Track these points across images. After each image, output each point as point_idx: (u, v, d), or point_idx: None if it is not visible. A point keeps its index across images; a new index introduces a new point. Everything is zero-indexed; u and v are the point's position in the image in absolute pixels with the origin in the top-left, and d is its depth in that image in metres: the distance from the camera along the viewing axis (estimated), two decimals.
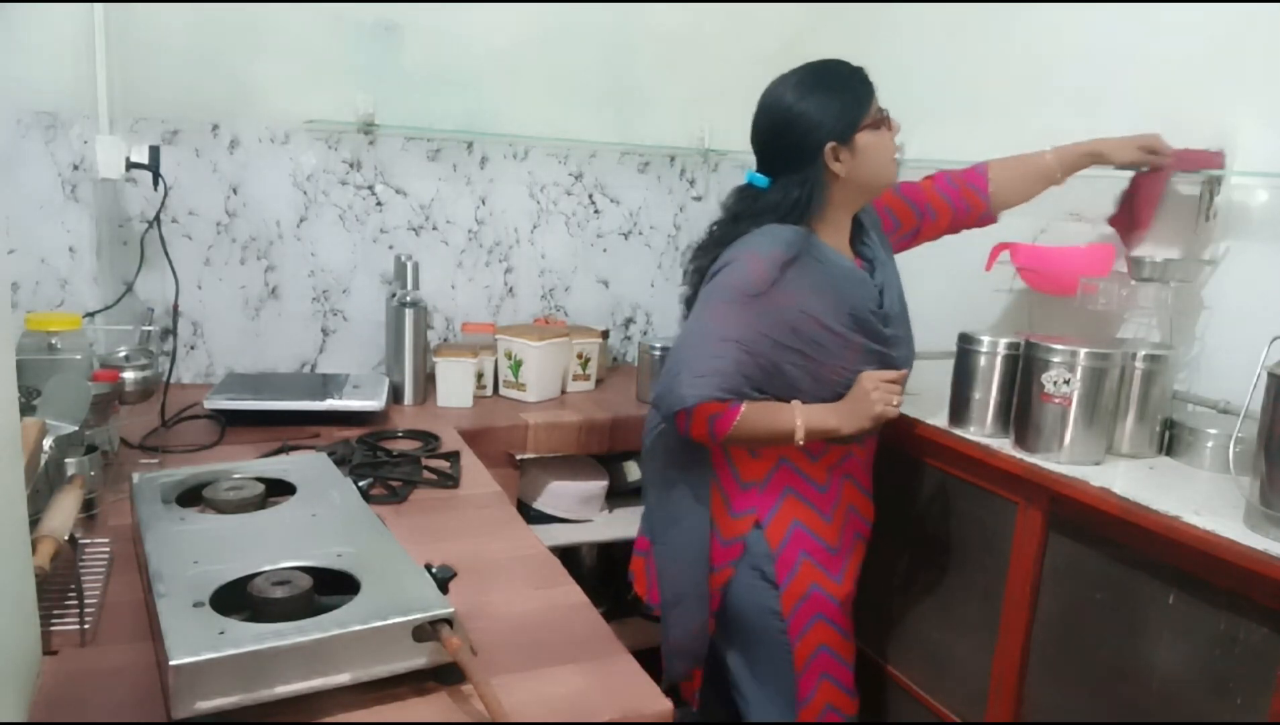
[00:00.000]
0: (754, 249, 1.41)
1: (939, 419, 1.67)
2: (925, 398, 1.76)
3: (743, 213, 1.47)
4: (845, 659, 1.56)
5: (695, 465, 1.52)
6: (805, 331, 1.42)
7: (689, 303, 1.52)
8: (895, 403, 1.44)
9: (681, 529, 1.53)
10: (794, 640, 1.51)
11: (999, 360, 1.62)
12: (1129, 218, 1.67)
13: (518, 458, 2.04)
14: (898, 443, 1.72)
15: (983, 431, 1.61)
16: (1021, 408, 1.53)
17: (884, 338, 1.49)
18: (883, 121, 1.45)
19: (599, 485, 2.23)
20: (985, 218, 1.72)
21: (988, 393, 1.62)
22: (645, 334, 2.64)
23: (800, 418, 1.42)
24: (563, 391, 2.29)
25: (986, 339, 1.63)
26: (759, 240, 1.42)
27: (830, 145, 1.41)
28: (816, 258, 1.43)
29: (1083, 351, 1.47)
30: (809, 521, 1.51)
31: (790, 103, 1.43)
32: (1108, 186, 1.76)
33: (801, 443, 1.43)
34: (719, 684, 1.63)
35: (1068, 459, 1.47)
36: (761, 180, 1.47)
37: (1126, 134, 1.62)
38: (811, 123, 1.41)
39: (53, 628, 1.00)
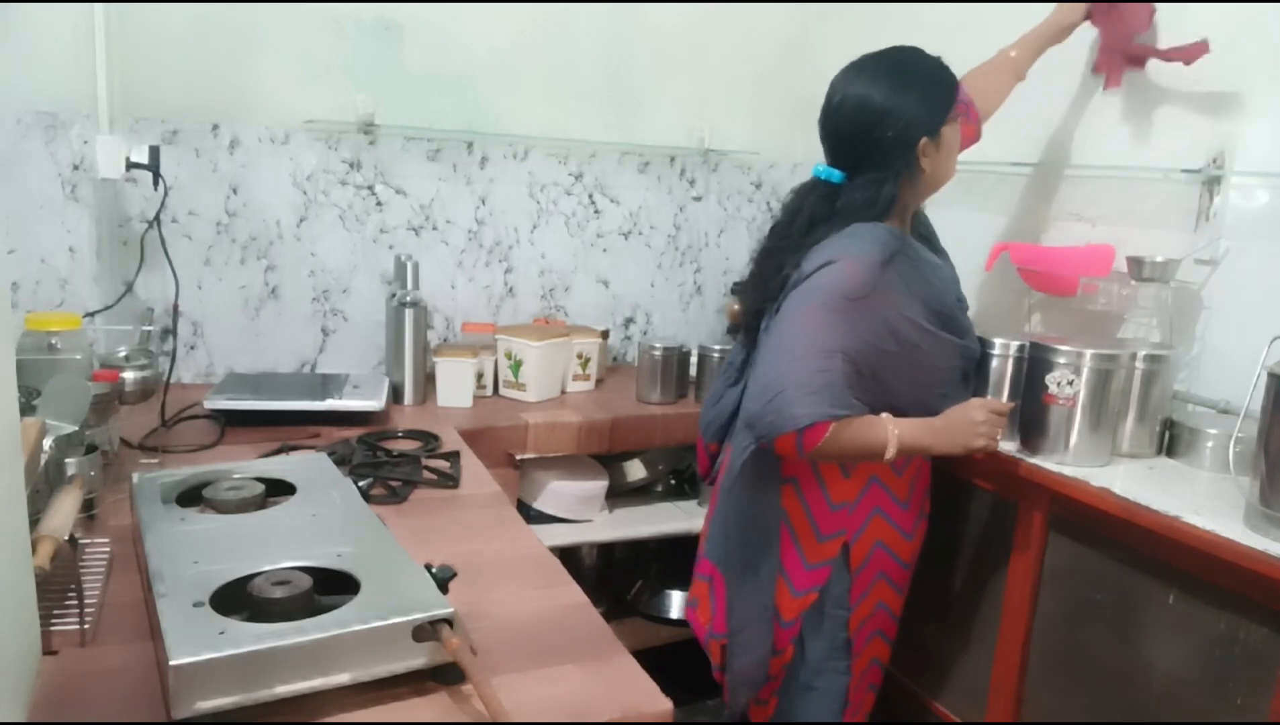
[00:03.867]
0: (849, 252, 1.33)
1: None
2: None
3: (822, 214, 1.39)
4: (885, 665, 1.56)
5: (777, 491, 1.45)
6: (904, 334, 1.35)
7: (758, 312, 1.45)
8: (998, 438, 1.39)
9: (757, 555, 1.46)
10: (855, 655, 1.49)
11: (1010, 363, 1.60)
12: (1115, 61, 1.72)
13: (518, 458, 2.04)
14: None
15: None
16: (1026, 410, 1.53)
17: (964, 330, 1.45)
18: (961, 114, 1.42)
19: (599, 485, 2.23)
20: (975, 138, 1.68)
21: (999, 395, 1.61)
22: (645, 334, 2.64)
23: (895, 435, 1.34)
24: (563, 391, 2.29)
25: (998, 341, 1.61)
26: (853, 242, 1.34)
27: (923, 140, 1.37)
28: (910, 256, 1.38)
29: (1088, 353, 1.46)
30: (891, 542, 1.47)
31: (883, 97, 1.35)
32: (1109, 186, 1.76)
33: (891, 459, 1.36)
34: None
35: (1073, 462, 1.47)
36: (836, 175, 1.40)
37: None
38: (907, 118, 1.35)
39: (53, 628, 1.00)
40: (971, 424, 1.37)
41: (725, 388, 1.59)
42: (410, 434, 1.85)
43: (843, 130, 1.39)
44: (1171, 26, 1.69)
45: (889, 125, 1.35)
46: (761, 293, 1.43)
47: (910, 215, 1.47)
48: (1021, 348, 1.60)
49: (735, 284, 2.61)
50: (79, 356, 1.51)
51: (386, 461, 1.66)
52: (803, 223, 1.40)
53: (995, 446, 1.39)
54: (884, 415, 1.35)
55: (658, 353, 2.21)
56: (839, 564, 1.45)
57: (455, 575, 1.02)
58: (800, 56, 2.61)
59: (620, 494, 2.32)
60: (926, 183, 1.42)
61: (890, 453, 1.34)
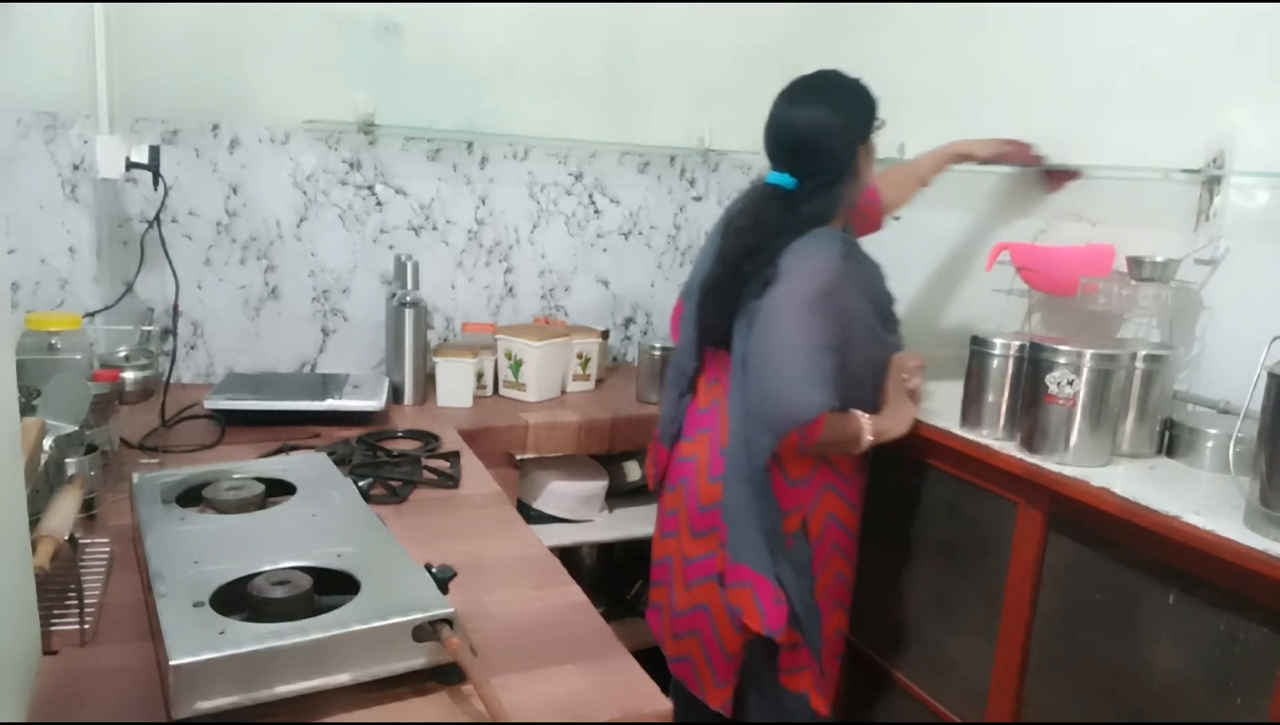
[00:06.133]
0: (815, 254, 1.48)
1: (944, 419, 1.67)
2: (928, 398, 1.76)
3: (783, 218, 1.52)
4: (845, 634, 1.67)
5: (767, 479, 1.51)
6: (857, 330, 1.50)
7: (730, 312, 1.53)
8: (919, 380, 1.59)
9: (782, 544, 1.52)
10: (824, 623, 1.57)
11: (1010, 362, 1.60)
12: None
13: (518, 458, 2.04)
14: (898, 442, 1.72)
15: (995, 434, 1.60)
16: (1026, 410, 1.53)
17: (896, 325, 1.61)
18: (880, 126, 1.59)
19: (599, 485, 2.23)
20: (876, 226, 1.85)
21: (999, 395, 1.60)
22: (645, 334, 2.64)
23: (867, 425, 1.51)
24: (563, 391, 2.29)
25: (999, 341, 1.61)
26: (816, 244, 1.50)
27: (861, 146, 1.55)
28: (856, 258, 1.54)
29: (1088, 353, 1.46)
30: (840, 514, 1.58)
31: (825, 112, 1.53)
32: (1109, 186, 1.76)
33: (865, 448, 1.52)
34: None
35: (1073, 461, 1.46)
36: (790, 182, 1.54)
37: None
38: (849, 128, 1.54)
39: (53, 628, 1.00)
40: (899, 385, 1.57)
41: (678, 398, 1.69)
42: (410, 434, 1.85)
43: (797, 144, 1.54)
44: (1171, 27, 1.69)
45: (835, 135, 1.52)
46: (738, 291, 1.52)
47: (845, 219, 1.62)
48: (1021, 348, 1.59)
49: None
50: (79, 356, 1.51)
51: (386, 461, 1.66)
52: (768, 228, 1.52)
53: (920, 384, 1.60)
54: (852, 410, 1.52)
55: (658, 353, 2.21)
56: (800, 537, 1.54)
57: (455, 575, 1.02)
58: (800, 56, 2.60)
59: (620, 494, 2.32)
60: (859, 186, 1.59)
61: (866, 441, 1.51)
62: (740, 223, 1.56)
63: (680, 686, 1.68)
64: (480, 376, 2.18)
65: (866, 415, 1.53)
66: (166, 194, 1.97)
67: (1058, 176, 1.88)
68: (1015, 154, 1.88)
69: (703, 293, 1.61)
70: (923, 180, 1.89)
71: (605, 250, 2.55)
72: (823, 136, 1.52)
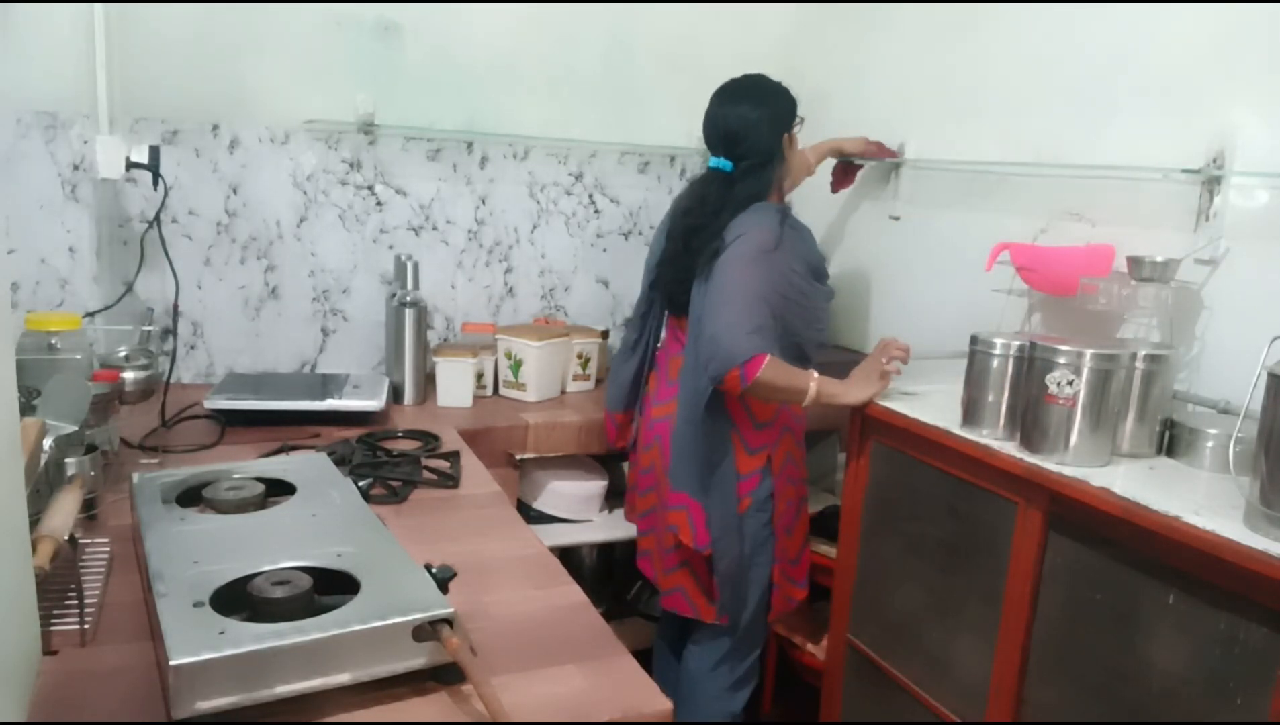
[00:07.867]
0: (756, 223, 1.71)
1: (944, 419, 1.67)
2: (928, 398, 1.76)
3: (725, 196, 1.76)
4: (803, 561, 1.92)
5: (721, 420, 1.75)
6: (796, 283, 1.73)
7: (685, 281, 1.75)
8: (898, 366, 1.78)
9: (721, 478, 1.76)
10: (777, 545, 1.83)
11: (1011, 362, 1.60)
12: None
13: (518, 458, 2.04)
14: (899, 442, 1.72)
15: (995, 434, 1.59)
16: (1026, 409, 1.53)
17: (825, 278, 1.85)
18: (800, 123, 1.85)
19: (599, 485, 2.23)
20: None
21: (1000, 395, 1.60)
22: None
23: (816, 382, 1.68)
24: (563, 391, 2.29)
25: (999, 341, 1.61)
26: (756, 216, 1.73)
27: (786, 135, 1.81)
28: (792, 225, 1.78)
29: (1088, 353, 1.46)
30: (794, 452, 1.86)
31: (753, 107, 1.78)
32: (1109, 186, 1.76)
33: (810, 402, 1.69)
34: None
35: (1073, 461, 1.46)
36: (728, 166, 1.78)
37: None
38: (773, 119, 1.79)
39: (53, 628, 1.00)
40: (875, 363, 1.76)
41: (621, 364, 1.97)
42: (410, 434, 1.85)
43: (729, 133, 1.78)
44: (1170, 27, 1.69)
45: (762, 125, 1.77)
46: (691, 264, 1.74)
47: (784, 194, 1.87)
48: (1021, 348, 1.59)
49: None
50: (79, 356, 1.51)
51: (386, 461, 1.66)
52: (712, 205, 1.77)
53: (898, 371, 1.78)
54: (809, 369, 1.72)
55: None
56: (764, 472, 1.79)
57: (455, 575, 1.02)
58: (800, 57, 2.61)
59: (620, 494, 2.32)
60: (787, 171, 1.84)
61: (810, 395, 1.68)
62: (687, 204, 1.81)
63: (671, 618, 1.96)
64: (480, 376, 2.18)
65: (817, 374, 1.70)
66: (166, 194, 1.97)
67: (852, 172, 2.28)
68: (877, 151, 2.21)
69: (660, 267, 1.86)
70: (809, 169, 2.08)
71: (605, 250, 2.55)
72: (751, 126, 1.77)
